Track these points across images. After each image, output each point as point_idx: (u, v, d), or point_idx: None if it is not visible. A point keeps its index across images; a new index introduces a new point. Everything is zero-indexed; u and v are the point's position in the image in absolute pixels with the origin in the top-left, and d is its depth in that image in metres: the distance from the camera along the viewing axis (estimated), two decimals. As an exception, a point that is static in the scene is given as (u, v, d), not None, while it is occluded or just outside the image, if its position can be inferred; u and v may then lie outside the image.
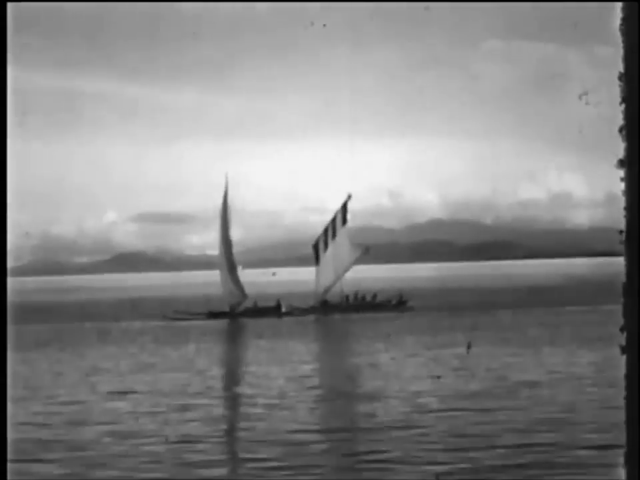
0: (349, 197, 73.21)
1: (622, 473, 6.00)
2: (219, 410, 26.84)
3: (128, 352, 44.17)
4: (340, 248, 72.17)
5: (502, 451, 19.85)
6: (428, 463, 18.98)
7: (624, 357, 5.99)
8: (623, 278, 6.02)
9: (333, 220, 73.06)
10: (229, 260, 71.00)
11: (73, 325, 65.89)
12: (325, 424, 23.84)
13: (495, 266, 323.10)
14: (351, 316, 65.16)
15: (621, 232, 5.99)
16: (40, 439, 22.74)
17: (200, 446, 21.40)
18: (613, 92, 5.91)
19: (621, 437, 6.17)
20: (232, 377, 35.66)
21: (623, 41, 5.78)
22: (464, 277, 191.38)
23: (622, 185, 5.95)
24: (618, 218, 6.08)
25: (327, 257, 72.55)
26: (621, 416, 6.14)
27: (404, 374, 33.00)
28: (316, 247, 73.52)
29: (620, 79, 5.88)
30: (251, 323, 62.73)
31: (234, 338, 55.46)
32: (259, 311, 68.25)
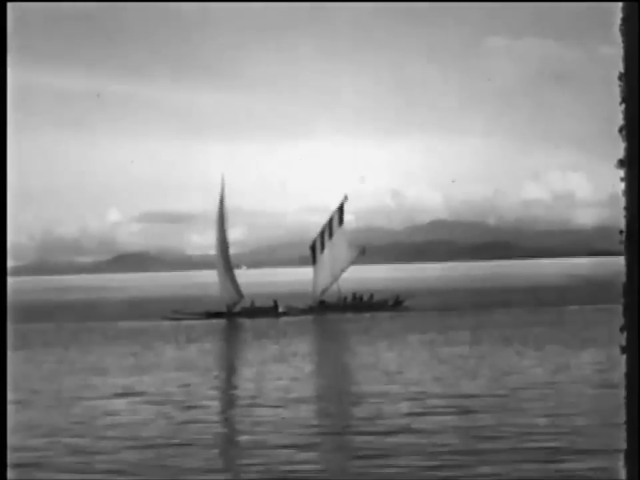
0: (346, 197, 73.43)
1: (622, 473, 6.00)
2: (216, 411, 26.81)
3: (125, 352, 44.10)
4: (337, 248, 72.30)
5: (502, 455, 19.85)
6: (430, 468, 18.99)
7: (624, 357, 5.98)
8: (624, 278, 6.02)
9: (330, 220, 73.18)
10: (225, 260, 71.07)
11: (74, 324, 65.89)
12: (323, 424, 23.78)
13: (498, 266, 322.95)
14: (347, 316, 65.26)
15: (621, 232, 5.99)
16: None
17: (198, 447, 21.39)
18: (613, 92, 5.91)
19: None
20: (227, 378, 35.52)
21: (623, 41, 5.78)
22: (466, 276, 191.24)
23: (622, 185, 5.95)
24: (621, 218, 6.09)
25: (323, 257, 72.69)
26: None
27: (401, 373, 32.98)
28: (313, 248, 73.66)
29: (620, 79, 5.88)
30: (247, 323, 62.73)
31: (230, 338, 55.43)
32: (256, 311, 68.27)
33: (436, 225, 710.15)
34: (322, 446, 21.06)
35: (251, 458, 19.97)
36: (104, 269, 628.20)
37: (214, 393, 30.36)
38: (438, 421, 23.22)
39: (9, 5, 6.72)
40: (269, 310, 68.62)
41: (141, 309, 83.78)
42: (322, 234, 73.27)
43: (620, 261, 6.11)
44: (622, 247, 6.01)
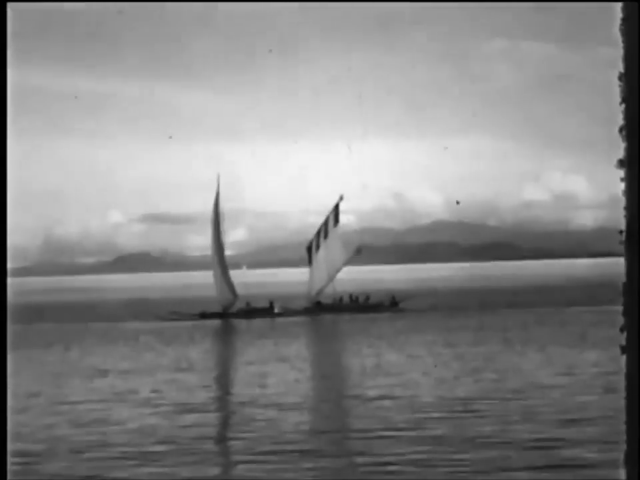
0: (341, 197, 73.44)
1: (622, 472, 5.99)
2: (211, 414, 26.67)
3: (120, 353, 44.16)
4: (332, 249, 72.26)
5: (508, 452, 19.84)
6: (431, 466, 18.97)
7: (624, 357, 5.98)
8: (624, 278, 6.01)
9: (325, 221, 73.19)
10: (221, 261, 71.12)
11: (75, 325, 65.90)
12: (320, 425, 23.72)
13: (498, 267, 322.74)
14: (343, 317, 65.24)
15: (621, 232, 5.99)
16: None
17: (198, 444, 21.39)
18: (613, 93, 5.90)
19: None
20: (222, 380, 35.35)
21: (623, 41, 5.77)
22: (467, 277, 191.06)
23: (622, 185, 5.94)
24: (621, 219, 6.09)
25: (319, 258, 72.66)
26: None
27: (397, 374, 32.93)
28: (309, 249, 73.67)
29: (620, 79, 5.87)
30: (243, 324, 62.67)
31: (225, 339, 55.37)
32: (251, 312, 68.27)
33: (437, 226, 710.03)
34: (317, 449, 20.93)
35: (246, 462, 19.85)
36: (105, 269, 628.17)
37: (209, 396, 30.03)
38: (435, 425, 23.12)
39: (9, 5, 6.72)
40: (264, 311, 68.62)
41: (140, 309, 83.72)
42: (318, 234, 73.31)
43: (620, 262, 6.11)
44: (622, 248, 6.01)
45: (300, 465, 19.30)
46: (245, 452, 20.71)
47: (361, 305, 70.02)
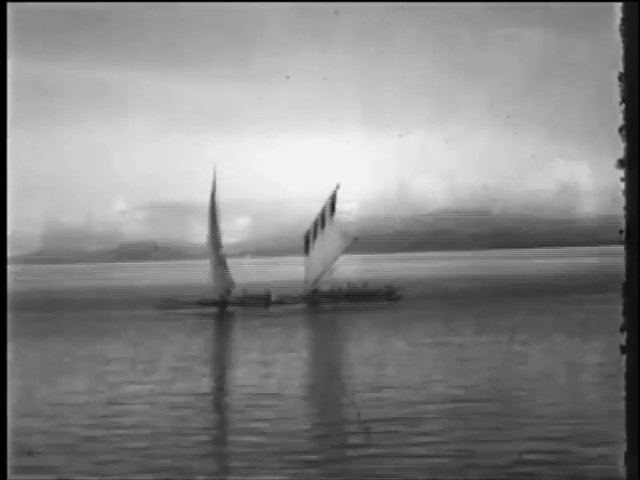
0: (338, 186, 73.46)
1: (622, 472, 6.01)
2: (209, 405, 26.72)
3: (114, 343, 44.23)
4: (328, 238, 72.39)
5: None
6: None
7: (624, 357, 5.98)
8: (624, 279, 6.01)
9: (323, 210, 73.28)
10: (217, 250, 71.19)
11: (76, 313, 66.03)
12: (319, 417, 23.78)
13: (502, 255, 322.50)
14: (340, 305, 65.29)
15: (621, 231, 5.98)
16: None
17: (196, 437, 21.42)
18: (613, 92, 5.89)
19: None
20: (219, 370, 35.22)
21: (623, 41, 5.75)
22: (469, 266, 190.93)
23: (622, 185, 5.93)
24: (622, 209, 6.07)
25: (316, 246, 72.83)
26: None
27: (392, 365, 32.98)
28: (306, 237, 73.81)
29: (620, 79, 5.85)
30: (240, 312, 62.76)
31: (222, 327, 55.46)
32: (248, 300, 68.48)
33: (440, 214, 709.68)
34: (317, 439, 21.01)
35: (245, 457, 19.86)
36: (110, 257, 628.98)
37: (206, 386, 30.02)
38: (433, 415, 23.13)
39: (9, 5, 6.71)
40: (261, 299, 68.85)
41: (139, 298, 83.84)
42: (315, 223, 73.48)
43: (623, 251, 6.10)
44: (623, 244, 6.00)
45: (296, 460, 19.31)
46: (240, 448, 20.68)
47: (357, 293, 70.27)
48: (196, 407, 25.47)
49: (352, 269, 73.52)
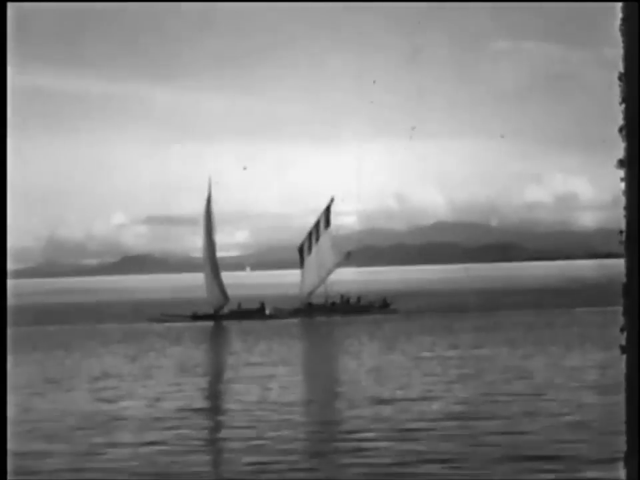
0: (332, 200, 73.82)
1: (622, 472, 5.99)
2: (206, 417, 26.44)
3: (114, 354, 44.46)
4: (323, 251, 72.57)
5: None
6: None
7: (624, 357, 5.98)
8: (624, 279, 6.01)
9: (317, 223, 73.41)
10: (212, 263, 71.16)
11: (75, 327, 65.96)
12: (314, 429, 23.54)
13: (500, 268, 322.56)
14: (334, 318, 65.35)
15: (621, 232, 5.99)
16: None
17: (190, 453, 21.30)
18: (614, 92, 5.90)
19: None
20: (213, 383, 34.99)
21: (623, 41, 5.77)
22: (467, 278, 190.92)
23: (622, 185, 5.94)
24: (622, 220, 6.08)
25: (310, 259, 72.94)
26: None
27: (388, 377, 32.77)
28: (301, 250, 73.90)
29: (620, 78, 5.87)
30: (234, 326, 62.53)
31: (216, 341, 55.27)
32: (243, 314, 68.26)
33: (439, 227, 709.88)
34: (312, 451, 20.86)
35: (241, 464, 19.74)
36: (109, 271, 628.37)
37: (201, 399, 29.78)
38: (430, 427, 22.96)
39: (9, 5, 6.72)
40: (255, 312, 68.67)
41: (134, 311, 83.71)
42: (309, 236, 73.59)
43: (622, 263, 6.11)
44: (622, 249, 6.01)
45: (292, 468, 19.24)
46: (237, 456, 20.57)
47: (351, 307, 70.28)
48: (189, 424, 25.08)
49: (347, 281, 73.49)
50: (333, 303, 70.69)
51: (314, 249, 72.92)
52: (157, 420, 25.12)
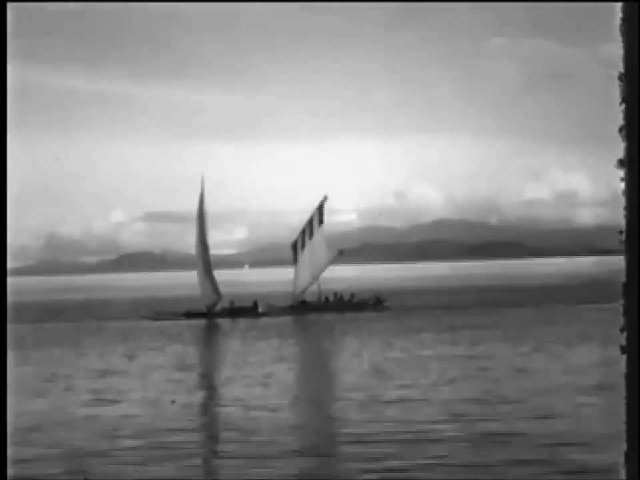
0: (325, 198, 73.83)
1: (622, 472, 5.99)
2: (197, 416, 26.34)
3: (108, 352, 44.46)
4: (316, 248, 72.51)
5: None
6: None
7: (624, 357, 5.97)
8: (624, 277, 6.00)
9: (310, 221, 73.36)
10: (205, 261, 71.10)
11: (73, 324, 65.97)
12: (307, 429, 23.39)
13: (500, 265, 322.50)
14: (327, 316, 65.25)
15: (620, 232, 5.98)
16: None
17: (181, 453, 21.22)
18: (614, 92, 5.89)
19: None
20: (205, 381, 34.72)
21: (623, 41, 5.77)
22: (466, 275, 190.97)
23: (622, 185, 5.94)
24: (622, 216, 6.08)
25: (304, 257, 72.87)
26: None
27: (378, 376, 32.60)
28: (294, 248, 73.83)
29: (620, 78, 5.87)
30: (227, 324, 62.39)
31: (209, 339, 55.20)
32: (236, 311, 68.21)
33: (438, 224, 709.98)
34: (305, 452, 20.71)
35: (232, 466, 19.64)
36: (108, 268, 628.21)
37: (194, 397, 29.62)
38: (427, 428, 22.85)
39: (9, 5, 6.70)
40: (249, 310, 68.56)
41: (126, 309, 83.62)
42: (302, 234, 73.52)
43: (621, 260, 6.10)
44: (622, 246, 6.00)
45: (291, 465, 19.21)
46: (228, 458, 20.44)
47: (345, 304, 70.16)
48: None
49: (344, 279, 73.34)
50: (327, 300, 70.60)
51: (307, 247, 72.86)
52: (151, 421, 25.05)
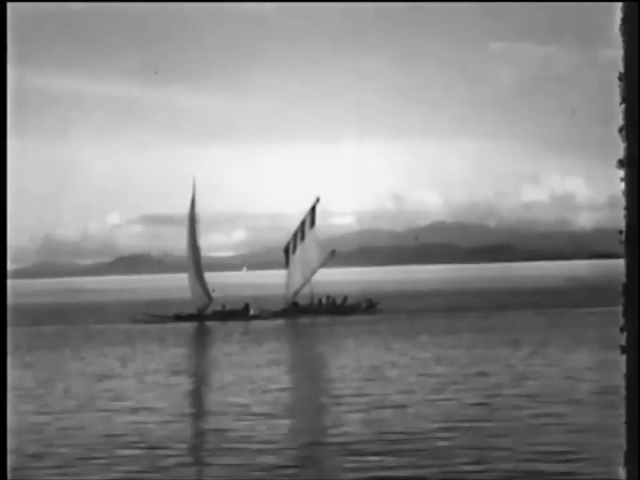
0: (317, 199, 73.66)
1: (622, 473, 5.98)
2: (190, 420, 26.11)
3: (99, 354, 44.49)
4: (308, 251, 72.36)
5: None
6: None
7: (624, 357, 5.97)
8: (623, 279, 6.00)
9: (302, 223, 73.27)
10: (196, 263, 71.02)
11: (70, 327, 65.80)
12: (300, 434, 23.31)
13: (498, 268, 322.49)
14: (319, 319, 65.14)
15: (620, 232, 5.98)
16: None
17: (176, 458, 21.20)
18: (613, 94, 5.89)
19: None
20: (195, 385, 34.35)
21: (623, 41, 5.77)
22: (462, 279, 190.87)
23: (622, 185, 5.93)
24: (621, 220, 6.07)
25: (295, 259, 72.73)
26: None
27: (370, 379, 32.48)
28: (286, 250, 73.74)
29: (620, 79, 5.87)
30: (218, 327, 62.16)
31: (199, 342, 54.91)
32: (227, 314, 68.06)
33: (436, 227, 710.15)
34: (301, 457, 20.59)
35: (223, 475, 19.41)
36: (104, 271, 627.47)
37: (185, 403, 29.46)
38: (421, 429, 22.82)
39: (9, 5, 6.70)
40: (240, 313, 68.41)
41: (118, 312, 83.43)
42: (294, 236, 73.42)
43: (619, 264, 6.10)
44: (621, 249, 6.00)
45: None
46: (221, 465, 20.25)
47: (337, 307, 70.05)
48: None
49: (338, 282, 73.23)
50: (319, 303, 70.47)
51: (298, 248, 72.75)
52: (142, 423, 25.00)
